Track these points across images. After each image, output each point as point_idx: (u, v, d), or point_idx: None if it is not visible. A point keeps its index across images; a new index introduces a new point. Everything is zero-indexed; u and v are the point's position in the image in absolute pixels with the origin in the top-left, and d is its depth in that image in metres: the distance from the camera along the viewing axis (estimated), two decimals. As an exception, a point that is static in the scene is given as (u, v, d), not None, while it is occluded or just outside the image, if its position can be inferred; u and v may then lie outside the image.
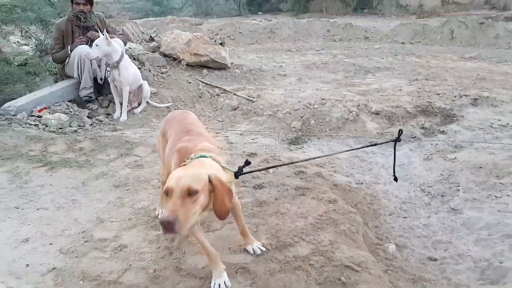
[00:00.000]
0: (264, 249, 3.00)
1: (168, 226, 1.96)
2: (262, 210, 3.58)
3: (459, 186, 4.24)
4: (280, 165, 3.88)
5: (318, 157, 4.67)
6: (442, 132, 5.67)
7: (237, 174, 2.59)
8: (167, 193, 2.10)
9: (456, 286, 2.94)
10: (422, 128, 5.81)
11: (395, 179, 3.59)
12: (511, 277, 2.92)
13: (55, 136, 5.16)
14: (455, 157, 4.88)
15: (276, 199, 3.74)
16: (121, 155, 4.82)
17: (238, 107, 6.73)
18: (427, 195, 4.24)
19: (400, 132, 3.22)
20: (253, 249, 2.99)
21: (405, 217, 3.86)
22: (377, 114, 6.15)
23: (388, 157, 5.13)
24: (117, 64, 5.85)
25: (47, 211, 3.72)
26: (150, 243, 3.17)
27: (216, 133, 5.76)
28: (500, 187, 4.12)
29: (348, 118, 6.08)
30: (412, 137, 5.65)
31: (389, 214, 3.93)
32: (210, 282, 2.66)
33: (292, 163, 4.43)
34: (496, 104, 6.22)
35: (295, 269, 2.83)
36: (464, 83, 7.53)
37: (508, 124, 5.60)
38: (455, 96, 6.67)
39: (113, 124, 5.86)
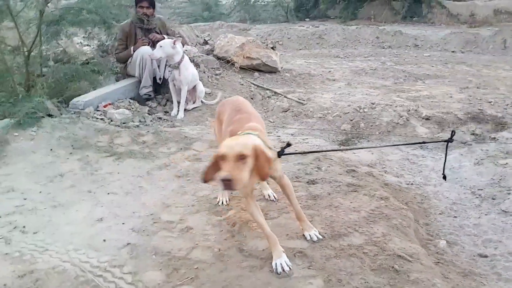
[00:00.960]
0: (320, 236, 3.20)
1: (227, 183, 2.42)
2: (316, 203, 3.77)
3: (510, 190, 4.28)
4: (323, 151, 4.06)
5: (365, 148, 4.83)
6: (493, 138, 5.66)
7: (279, 154, 3.00)
8: (222, 158, 2.52)
9: (506, 281, 3.02)
10: (473, 134, 5.83)
11: (444, 177, 3.73)
12: None
13: (120, 130, 5.57)
14: (507, 163, 4.89)
15: (329, 194, 3.93)
16: (181, 149, 5.14)
17: (289, 109, 6.96)
18: (477, 197, 4.30)
19: (453, 133, 3.36)
20: (310, 235, 3.20)
21: (455, 217, 3.95)
22: (427, 119, 6.22)
23: (438, 161, 5.19)
24: (178, 64, 6.23)
25: (117, 196, 4.07)
26: (213, 227, 3.44)
27: (269, 132, 6.01)
28: (555, 193, 4.14)
29: (398, 122, 6.18)
30: (463, 143, 5.69)
31: (439, 213, 4.03)
32: (271, 263, 2.88)
33: (335, 150, 4.63)
34: (550, 113, 6.15)
35: (349, 256, 3.01)
36: (517, 92, 7.43)
37: (562, 132, 5.54)
38: (507, 105, 6.63)
39: (171, 121, 6.23)
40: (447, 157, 3.45)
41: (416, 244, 3.29)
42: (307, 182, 4.20)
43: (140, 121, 6.10)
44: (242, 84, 7.60)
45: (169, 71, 6.42)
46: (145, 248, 3.18)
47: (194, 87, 6.63)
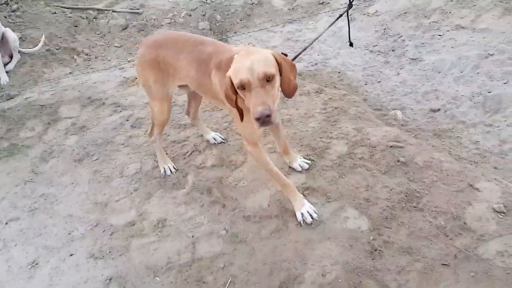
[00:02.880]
0: (309, 161, 2.87)
1: (267, 119, 1.87)
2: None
3: (401, 36, 4.43)
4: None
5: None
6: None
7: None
8: (243, 87, 1.94)
9: (473, 125, 3.21)
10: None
11: (351, 44, 3.65)
12: (506, 102, 3.27)
13: None
14: (376, 10, 5.01)
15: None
16: (48, 123, 3.96)
17: (128, 25, 5.85)
18: (379, 54, 4.36)
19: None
20: (299, 165, 2.84)
21: (379, 82, 3.97)
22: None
23: (315, 30, 5.08)
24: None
25: (21, 221, 2.99)
26: (188, 205, 2.80)
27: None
28: (435, 25, 4.41)
29: (252, 3, 5.73)
30: (320, 4, 5.62)
31: (365, 84, 4.00)
32: (290, 217, 2.50)
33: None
34: None
35: (352, 168, 2.79)
36: None
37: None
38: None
39: (1, 93, 4.69)
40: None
41: (387, 125, 3.21)
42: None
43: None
44: (55, 13, 6.00)
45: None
46: (135, 272, 2.44)
47: (4, 37, 4.98)
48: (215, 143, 3.25)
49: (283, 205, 2.62)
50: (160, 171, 3.11)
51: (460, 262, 2.12)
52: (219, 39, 4.88)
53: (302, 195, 2.54)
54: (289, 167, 2.88)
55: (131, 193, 3.01)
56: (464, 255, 2.15)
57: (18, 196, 3.20)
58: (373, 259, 2.24)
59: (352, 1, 3.34)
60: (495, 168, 2.82)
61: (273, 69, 1.95)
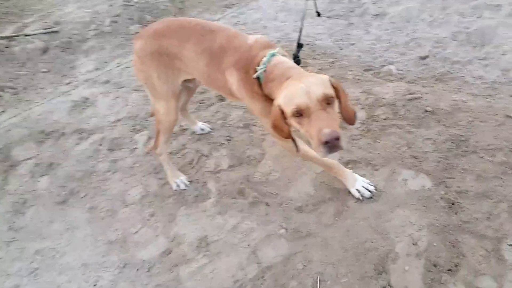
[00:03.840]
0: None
1: (336, 143, 1.59)
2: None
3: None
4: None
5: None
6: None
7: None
8: (300, 113, 1.68)
9: (470, 63, 3.18)
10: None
11: (318, 14, 3.54)
12: (488, 33, 3.30)
13: None
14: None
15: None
16: (5, 171, 3.34)
17: (48, 47, 5.18)
18: (339, 18, 4.25)
19: None
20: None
21: (353, 44, 3.85)
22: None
23: (260, 9, 4.87)
24: None
25: (26, 287, 2.47)
26: (225, 215, 2.46)
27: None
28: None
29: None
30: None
31: (340, 49, 3.85)
32: (346, 195, 2.29)
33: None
34: None
35: (382, 130, 2.64)
36: None
37: None
38: None
39: None
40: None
41: (386, 82, 3.09)
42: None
43: None
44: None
45: None
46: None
47: None
48: (202, 133, 3.01)
49: (331, 185, 2.39)
50: (171, 187, 2.72)
51: (544, 190, 2.04)
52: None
53: (350, 170, 2.33)
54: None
55: (148, 219, 2.59)
56: (543, 183, 2.07)
57: (5, 261, 2.64)
58: (455, 213, 2.09)
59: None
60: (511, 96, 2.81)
61: (332, 91, 1.72)
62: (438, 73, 3.18)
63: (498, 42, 3.19)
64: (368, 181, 2.32)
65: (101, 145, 3.33)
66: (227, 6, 5.19)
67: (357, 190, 2.27)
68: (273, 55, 1.94)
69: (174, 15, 5.29)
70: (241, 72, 1.98)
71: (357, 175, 2.31)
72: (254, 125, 3.03)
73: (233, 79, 2.05)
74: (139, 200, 2.74)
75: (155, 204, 2.68)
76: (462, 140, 2.42)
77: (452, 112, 2.62)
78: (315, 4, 3.47)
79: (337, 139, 1.59)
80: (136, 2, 5.47)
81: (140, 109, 3.65)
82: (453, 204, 2.13)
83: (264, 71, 1.91)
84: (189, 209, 2.56)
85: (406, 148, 2.48)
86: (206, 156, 2.90)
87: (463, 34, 3.38)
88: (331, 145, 1.60)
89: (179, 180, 2.71)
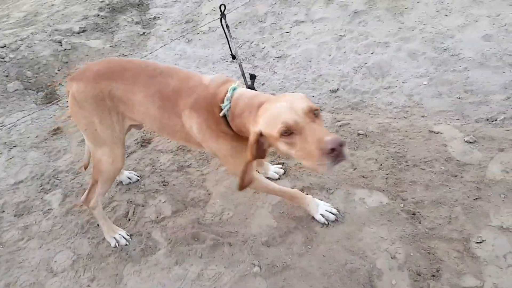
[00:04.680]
0: (280, 166, 2.62)
1: (341, 150, 1.45)
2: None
3: (252, 41, 4.51)
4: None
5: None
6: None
7: None
8: (289, 131, 1.53)
9: (377, 92, 3.44)
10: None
11: (233, 57, 3.56)
12: (385, 66, 3.65)
13: None
14: (209, 28, 5.00)
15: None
16: None
17: None
18: (243, 62, 4.32)
19: (224, 7, 3.01)
20: (275, 172, 2.60)
21: (263, 84, 3.93)
22: None
23: (156, 60, 4.76)
24: None
25: None
26: (184, 264, 2.19)
27: None
28: (275, 26, 4.63)
29: (65, 49, 5.01)
30: (141, 35, 5.31)
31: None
32: (311, 221, 2.23)
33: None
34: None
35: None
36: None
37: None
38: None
39: None
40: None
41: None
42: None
43: None
44: None
45: None
46: None
47: None
48: (130, 183, 2.73)
49: (292, 214, 2.32)
50: (110, 244, 2.36)
51: (488, 189, 2.23)
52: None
53: (311, 196, 2.28)
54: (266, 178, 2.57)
55: (88, 286, 2.19)
56: (484, 184, 2.26)
57: None
58: (419, 222, 2.16)
59: (224, 11, 3.02)
60: (423, 116, 3.08)
61: (314, 104, 1.62)
62: (352, 103, 3.37)
63: (396, 73, 3.53)
64: (329, 204, 2.29)
65: (3, 211, 2.80)
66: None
67: (321, 215, 2.23)
68: (234, 89, 1.83)
69: (58, 70, 4.89)
70: (202, 113, 1.84)
71: (318, 200, 2.28)
72: (189, 166, 2.84)
73: (192, 122, 1.89)
74: (70, 266, 2.32)
75: (92, 267, 2.29)
76: (401, 156, 2.56)
77: (382, 133, 2.78)
78: (230, 48, 3.46)
79: (342, 145, 1.45)
80: (12, 58, 4.93)
81: (45, 167, 3.19)
82: (414, 214, 2.20)
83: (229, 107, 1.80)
84: (138, 265, 2.24)
85: (352, 169, 2.53)
86: (142, 206, 2.60)
87: (364, 68, 3.67)
88: (337, 153, 1.44)
89: (117, 235, 2.37)
